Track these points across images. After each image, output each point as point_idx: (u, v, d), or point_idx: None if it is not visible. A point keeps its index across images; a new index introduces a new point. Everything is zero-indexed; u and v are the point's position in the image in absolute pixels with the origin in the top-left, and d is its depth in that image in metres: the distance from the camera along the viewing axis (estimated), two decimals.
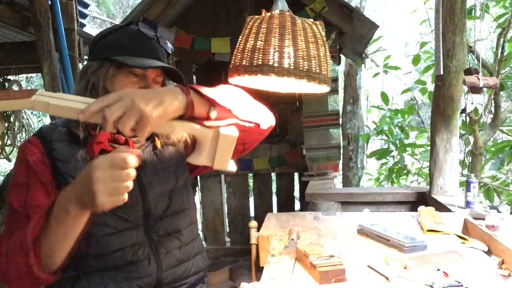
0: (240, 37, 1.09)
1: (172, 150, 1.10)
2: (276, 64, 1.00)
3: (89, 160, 0.96)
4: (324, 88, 1.10)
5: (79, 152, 0.98)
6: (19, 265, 0.82)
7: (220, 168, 0.80)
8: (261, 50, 1.02)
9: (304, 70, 1.01)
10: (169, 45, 1.10)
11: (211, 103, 0.78)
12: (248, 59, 1.04)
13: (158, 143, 1.07)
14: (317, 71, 1.03)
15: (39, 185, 0.95)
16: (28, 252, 0.79)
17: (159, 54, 1.04)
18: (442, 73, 2.21)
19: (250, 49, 1.04)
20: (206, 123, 0.79)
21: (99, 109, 0.67)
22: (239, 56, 1.07)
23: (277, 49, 1.00)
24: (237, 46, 1.10)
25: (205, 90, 0.78)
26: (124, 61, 0.97)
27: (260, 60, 1.01)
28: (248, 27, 1.08)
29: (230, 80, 1.13)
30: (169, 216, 1.07)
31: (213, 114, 0.79)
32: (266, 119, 0.98)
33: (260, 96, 1.00)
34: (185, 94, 0.75)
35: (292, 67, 1.00)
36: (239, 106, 0.86)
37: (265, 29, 1.03)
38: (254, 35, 1.04)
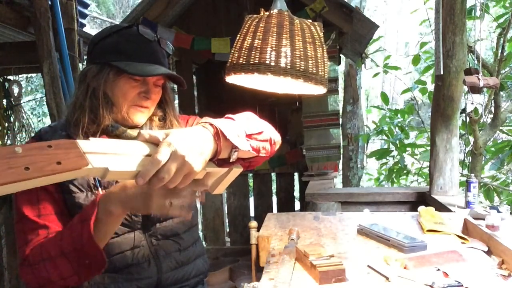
0: (238, 35, 1.09)
1: None
2: (273, 63, 1.00)
3: None
4: (320, 89, 1.10)
5: None
6: (62, 266, 0.86)
7: (217, 193, 0.87)
8: (258, 49, 1.01)
9: (301, 70, 1.00)
10: (170, 46, 1.08)
11: (234, 146, 0.79)
12: (245, 57, 1.03)
13: None
14: (314, 71, 1.03)
15: (46, 194, 0.96)
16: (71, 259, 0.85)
17: (159, 57, 1.03)
18: (442, 73, 2.21)
19: (247, 48, 1.04)
20: (225, 163, 0.82)
21: (155, 171, 0.66)
22: (236, 55, 1.06)
23: (274, 48, 1.00)
24: (235, 44, 1.09)
25: (229, 132, 0.78)
26: (124, 68, 0.96)
27: (257, 59, 1.01)
28: (246, 26, 1.07)
29: (227, 78, 1.13)
30: (168, 220, 1.08)
31: (234, 156, 0.81)
32: (277, 142, 0.99)
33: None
34: (215, 141, 0.76)
35: (288, 67, 1.00)
36: (259, 142, 0.89)
37: (263, 28, 1.02)
38: (251, 34, 1.04)
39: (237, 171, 0.85)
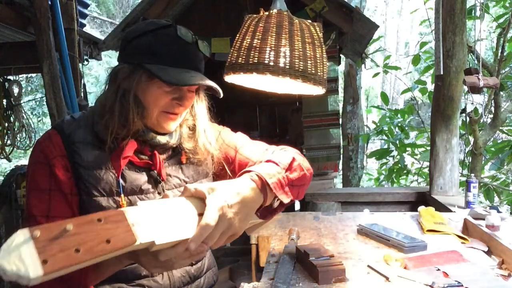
0: (238, 35, 1.09)
1: (196, 168, 1.06)
2: (271, 63, 0.99)
3: (111, 169, 0.92)
4: (319, 90, 1.09)
5: (103, 159, 0.93)
6: None
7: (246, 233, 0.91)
8: (257, 49, 1.01)
9: (300, 70, 1.00)
10: (208, 48, 1.01)
11: (276, 196, 0.81)
12: (244, 57, 1.03)
13: (184, 158, 1.03)
14: (313, 72, 1.02)
15: (60, 195, 0.90)
16: None
17: (196, 62, 0.95)
18: (442, 73, 2.21)
19: (246, 47, 1.03)
20: (265, 210, 0.85)
21: (206, 236, 0.67)
22: (235, 54, 1.06)
23: (273, 48, 1.00)
24: (234, 44, 1.09)
25: (275, 184, 0.80)
26: (157, 73, 0.88)
27: (256, 59, 1.00)
28: (246, 25, 1.07)
29: (226, 78, 1.12)
30: None
31: (276, 204, 0.85)
32: (311, 176, 1.02)
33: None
34: (262, 194, 0.78)
35: (287, 67, 0.99)
36: (298, 187, 0.91)
37: (262, 27, 1.02)
38: (251, 34, 1.03)
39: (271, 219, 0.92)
